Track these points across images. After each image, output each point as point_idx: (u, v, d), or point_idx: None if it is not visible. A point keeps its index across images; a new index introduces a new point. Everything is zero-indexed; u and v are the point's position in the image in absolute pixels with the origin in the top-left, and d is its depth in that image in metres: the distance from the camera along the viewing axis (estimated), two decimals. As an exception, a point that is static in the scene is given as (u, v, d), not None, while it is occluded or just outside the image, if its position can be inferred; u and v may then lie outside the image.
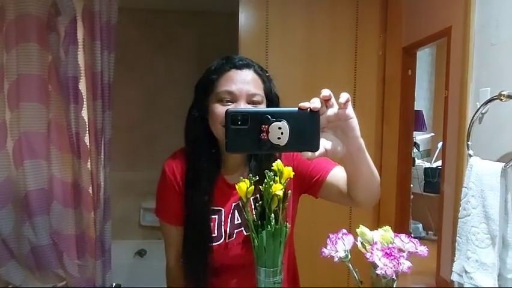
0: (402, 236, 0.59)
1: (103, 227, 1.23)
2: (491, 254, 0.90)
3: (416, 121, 2.54)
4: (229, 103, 0.69)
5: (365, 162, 0.58)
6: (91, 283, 1.29)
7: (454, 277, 1.00)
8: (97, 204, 1.18)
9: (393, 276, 0.57)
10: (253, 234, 0.65)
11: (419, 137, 2.83)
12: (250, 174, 0.66)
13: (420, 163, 2.75)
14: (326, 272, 1.13)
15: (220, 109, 0.69)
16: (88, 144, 1.13)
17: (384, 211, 1.63)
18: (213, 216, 0.75)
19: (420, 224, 2.55)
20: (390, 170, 1.64)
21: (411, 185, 1.82)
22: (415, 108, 1.80)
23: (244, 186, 0.64)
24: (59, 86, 1.11)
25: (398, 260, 0.57)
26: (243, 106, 0.68)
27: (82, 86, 1.11)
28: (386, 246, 0.59)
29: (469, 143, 1.02)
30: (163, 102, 2.19)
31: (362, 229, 0.60)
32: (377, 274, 0.55)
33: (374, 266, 0.57)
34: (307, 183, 0.76)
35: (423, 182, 2.57)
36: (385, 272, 0.56)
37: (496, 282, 0.89)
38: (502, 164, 0.89)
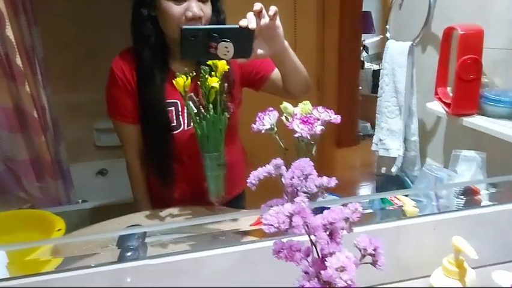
0: (319, 107, 0.73)
1: (57, 148, 1.26)
2: (398, 122, 1.13)
3: (365, 23, 2.54)
4: (182, 2, 0.73)
5: (290, 59, 0.76)
6: (55, 202, 1.36)
7: (373, 147, 1.24)
8: (45, 126, 1.19)
9: (309, 138, 0.72)
10: (195, 125, 0.73)
11: (368, 40, 2.88)
12: (186, 68, 0.71)
13: (369, 66, 2.87)
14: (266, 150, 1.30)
15: (175, 9, 0.73)
16: (21, 65, 1.08)
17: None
18: (169, 108, 0.81)
19: (369, 123, 2.72)
20: (331, 71, 1.74)
21: (360, 87, 1.98)
22: (363, 10, 1.80)
23: (181, 81, 0.69)
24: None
25: (312, 125, 0.72)
26: (194, 4, 0.74)
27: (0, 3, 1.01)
28: (304, 116, 0.73)
29: (387, 26, 1.16)
30: (99, 15, 1.94)
31: (285, 104, 0.74)
32: (296, 137, 0.70)
33: (294, 132, 0.72)
34: (252, 79, 0.88)
35: (372, 84, 2.73)
36: (301, 134, 0.72)
37: (401, 143, 1.13)
38: (409, 43, 1.06)
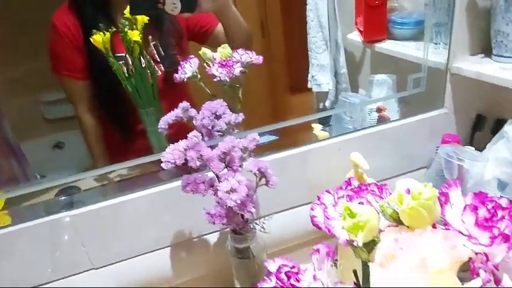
0: (239, 50, 0.75)
1: (0, 126, 1.25)
2: (326, 57, 1.16)
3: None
4: None
5: (232, 13, 0.81)
6: (13, 181, 1.38)
7: (308, 84, 1.28)
8: (-19, 106, 1.17)
9: (228, 81, 0.75)
10: (124, 82, 0.74)
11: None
12: (101, 24, 0.71)
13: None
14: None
15: None
16: None
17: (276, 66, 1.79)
18: (119, 62, 0.79)
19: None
20: (274, 13, 1.71)
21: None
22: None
23: (99, 38, 0.70)
24: None
25: (231, 67, 0.75)
26: None
27: None
28: (223, 60, 0.76)
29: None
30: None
31: (203, 50, 0.76)
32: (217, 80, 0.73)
33: (212, 77, 0.75)
34: (197, 32, 0.89)
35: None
36: (220, 78, 0.75)
37: (331, 77, 1.17)
38: (327, -23, 1.06)
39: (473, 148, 0.72)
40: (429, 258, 0.28)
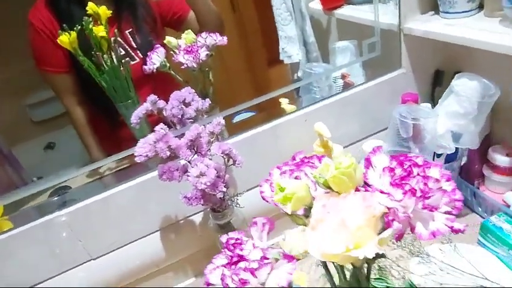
0: (203, 33, 0.77)
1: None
2: (293, 28, 1.18)
3: None
4: None
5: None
6: (11, 187, 1.42)
7: (280, 56, 1.30)
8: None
9: (195, 66, 0.77)
10: (98, 79, 0.75)
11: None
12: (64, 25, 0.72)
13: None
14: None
15: None
16: None
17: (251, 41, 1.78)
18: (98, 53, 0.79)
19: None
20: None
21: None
22: None
23: (65, 38, 0.70)
24: None
25: (196, 52, 0.77)
26: None
27: None
28: (188, 45, 0.78)
29: None
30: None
31: (168, 38, 0.78)
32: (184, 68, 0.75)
33: (180, 64, 0.77)
34: (171, 19, 0.90)
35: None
36: (187, 64, 0.77)
37: (300, 48, 1.19)
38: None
39: (429, 105, 0.76)
40: (349, 218, 0.33)
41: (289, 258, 0.32)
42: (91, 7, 0.71)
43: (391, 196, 0.35)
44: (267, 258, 0.31)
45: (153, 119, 0.79)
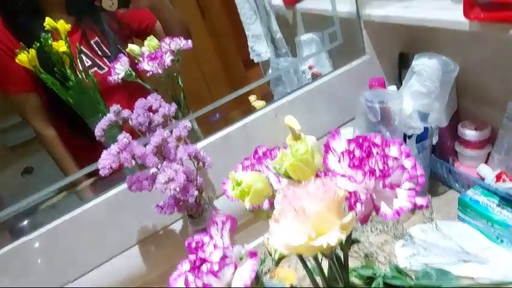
0: (166, 39, 0.75)
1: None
2: (259, 26, 1.17)
3: None
4: None
5: (166, 6, 0.84)
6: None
7: (250, 56, 1.29)
8: None
9: (160, 73, 0.75)
10: (64, 96, 0.72)
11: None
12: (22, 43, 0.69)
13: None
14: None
15: None
16: None
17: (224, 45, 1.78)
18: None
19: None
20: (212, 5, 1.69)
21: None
22: None
23: (23, 57, 0.67)
24: None
25: (161, 58, 0.75)
26: None
27: None
28: (152, 52, 0.76)
29: None
30: None
31: (131, 47, 0.76)
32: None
33: (145, 72, 0.75)
34: (138, 28, 0.90)
35: None
36: (152, 72, 0.75)
37: (267, 45, 1.19)
38: None
39: (395, 87, 0.76)
40: (308, 206, 0.32)
41: (252, 254, 0.31)
42: (48, 22, 0.68)
43: (352, 179, 0.34)
44: (228, 258, 0.30)
45: (128, 129, 0.76)
